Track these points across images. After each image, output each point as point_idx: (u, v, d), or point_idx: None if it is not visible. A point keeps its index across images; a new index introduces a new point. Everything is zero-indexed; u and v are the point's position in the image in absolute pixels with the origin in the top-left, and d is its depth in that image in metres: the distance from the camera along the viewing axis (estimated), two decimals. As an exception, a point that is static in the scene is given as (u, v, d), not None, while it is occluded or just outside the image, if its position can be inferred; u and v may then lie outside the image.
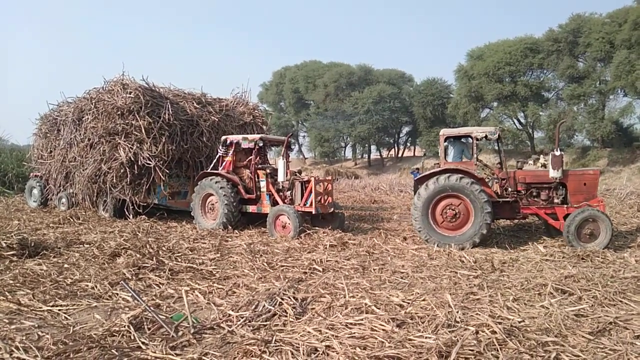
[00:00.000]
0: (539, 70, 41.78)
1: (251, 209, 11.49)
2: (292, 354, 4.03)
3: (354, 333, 4.39)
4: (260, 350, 4.11)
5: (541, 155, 35.31)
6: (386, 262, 7.85)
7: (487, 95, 41.07)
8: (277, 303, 5.34)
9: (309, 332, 4.47)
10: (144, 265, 7.31)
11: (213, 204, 11.43)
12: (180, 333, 4.62)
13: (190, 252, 8.42)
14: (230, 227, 11.03)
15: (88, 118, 12.92)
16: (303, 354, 4.01)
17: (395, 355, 3.85)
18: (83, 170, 12.99)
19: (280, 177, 11.08)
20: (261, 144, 11.77)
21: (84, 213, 13.35)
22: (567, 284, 5.97)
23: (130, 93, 12.15)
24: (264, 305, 5.25)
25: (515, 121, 43.39)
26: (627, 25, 33.48)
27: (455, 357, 3.75)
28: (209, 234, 10.41)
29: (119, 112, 12.16)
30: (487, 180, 9.50)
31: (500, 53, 40.64)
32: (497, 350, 3.90)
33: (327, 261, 7.76)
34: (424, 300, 5.38)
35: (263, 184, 11.39)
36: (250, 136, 11.76)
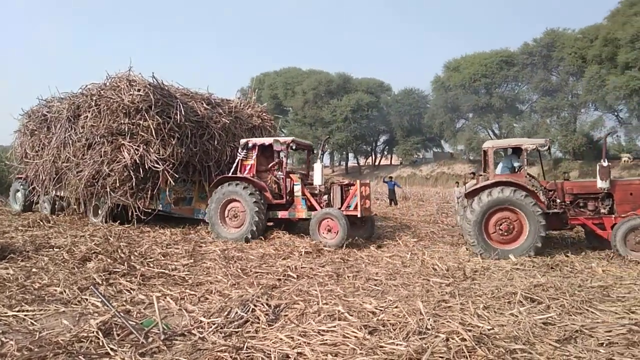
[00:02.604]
0: (513, 83, 42.87)
1: (281, 214, 10.97)
2: (263, 360, 4.01)
3: (326, 340, 4.38)
4: (231, 357, 4.07)
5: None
6: (360, 270, 7.89)
7: (462, 106, 41.85)
8: (250, 310, 5.31)
9: (281, 339, 4.45)
10: (115, 270, 7.19)
11: (236, 211, 10.72)
12: (150, 339, 4.55)
13: (162, 258, 8.32)
14: (257, 236, 10.45)
15: (87, 116, 12.00)
16: (274, 361, 3.99)
17: (366, 362, 3.87)
18: (78, 172, 12.08)
19: (318, 181, 10.80)
20: (294, 147, 11.48)
21: (54, 217, 12.99)
22: (536, 292, 6.08)
23: (138, 90, 11.36)
24: (237, 312, 5.22)
25: (490, 132, 44.22)
26: (598, 41, 34.60)
27: (425, 364, 3.80)
28: (183, 239, 10.30)
29: (125, 111, 11.35)
30: (536, 192, 9.45)
31: (476, 65, 41.51)
32: (467, 358, 3.95)
33: (301, 268, 7.77)
34: (396, 307, 5.42)
35: (297, 188, 10.92)
36: (281, 139, 11.41)
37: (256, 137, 13.17)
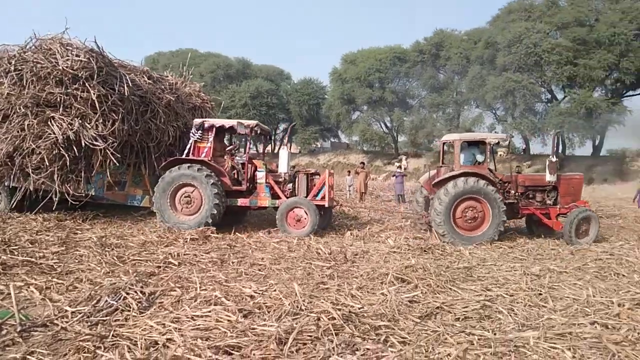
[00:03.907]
0: (405, 79, 45.05)
1: (241, 202, 10.35)
2: (129, 348, 3.88)
3: (199, 325, 4.34)
4: (94, 346, 3.89)
5: (403, 157, 37.81)
6: (246, 255, 7.89)
7: (358, 99, 43.25)
8: (121, 298, 5.08)
9: (151, 326, 4.33)
10: (-31, 259, 6.49)
11: (190, 197, 9.93)
12: (4, 332, 4.20)
13: (30, 245, 7.63)
14: (214, 225, 9.78)
15: (3, 82, 10.23)
16: (141, 348, 3.88)
17: (236, 344, 3.90)
18: None
19: (283, 168, 10.41)
20: (258, 131, 10.82)
21: None
22: (406, 273, 6.50)
23: (77, 56, 9.86)
24: (106, 300, 4.97)
25: (382, 125, 46.25)
26: (481, 43, 37.48)
27: (293, 342, 3.91)
28: (56, 225, 9.54)
29: (58, 79, 9.82)
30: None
31: (371, 59, 43.02)
32: (333, 335, 4.14)
33: (184, 255, 7.58)
34: (275, 290, 5.51)
35: (261, 174, 10.41)
36: (245, 122, 10.61)
37: (196, 117, 12.42)
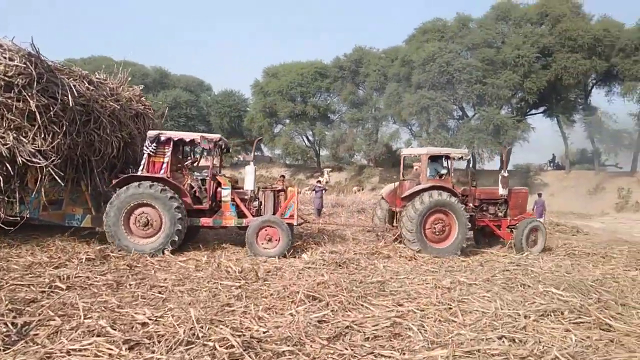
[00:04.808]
0: (326, 94, 45.57)
1: (203, 221, 9.66)
2: (-21, 396, 3.24)
3: (73, 361, 3.76)
4: None
5: (326, 170, 37.85)
6: (147, 276, 7.28)
7: (280, 112, 43.11)
8: (-15, 331, 4.35)
9: (14, 365, 3.69)
10: None
11: (149, 218, 9.11)
12: None
13: None
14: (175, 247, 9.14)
15: None
16: (-6, 395, 3.25)
17: (113, 384, 3.39)
18: None
19: (249, 186, 9.83)
20: (222, 145, 10.18)
21: None
22: (318, 290, 6.23)
23: (11, 59, 8.52)
24: (-36, 336, 4.22)
25: (305, 138, 46.39)
26: (398, 61, 38.74)
27: (181, 378, 3.46)
28: None
29: None
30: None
31: (293, 73, 43.11)
32: (230, 366, 3.73)
33: (75, 277, 6.81)
34: (171, 316, 4.99)
35: (226, 192, 9.74)
36: (209, 135, 9.96)
37: (138, 126, 11.60)
